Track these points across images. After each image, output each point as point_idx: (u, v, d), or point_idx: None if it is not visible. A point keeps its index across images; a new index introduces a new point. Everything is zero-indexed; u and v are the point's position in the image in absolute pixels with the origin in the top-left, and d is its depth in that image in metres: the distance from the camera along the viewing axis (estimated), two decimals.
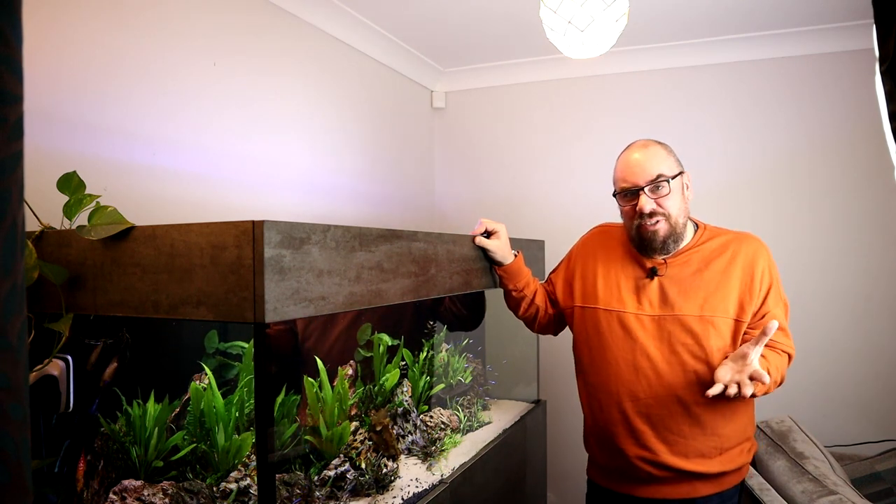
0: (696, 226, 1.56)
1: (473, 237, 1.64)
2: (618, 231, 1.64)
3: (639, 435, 1.47)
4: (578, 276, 1.64)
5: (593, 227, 1.75)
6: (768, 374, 1.31)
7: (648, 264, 1.52)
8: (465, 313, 2.10)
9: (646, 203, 1.43)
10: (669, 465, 1.45)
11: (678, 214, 1.47)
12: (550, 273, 1.79)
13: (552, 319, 1.74)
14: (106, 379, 1.22)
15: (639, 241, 1.50)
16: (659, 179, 1.44)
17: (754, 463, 2.16)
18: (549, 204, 2.98)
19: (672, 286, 1.48)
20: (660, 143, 1.51)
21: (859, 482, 2.13)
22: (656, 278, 1.50)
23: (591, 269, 1.62)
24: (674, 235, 1.47)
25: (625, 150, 1.53)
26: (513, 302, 1.74)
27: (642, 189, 1.44)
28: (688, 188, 1.51)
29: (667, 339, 1.46)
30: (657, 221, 1.45)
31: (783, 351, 1.47)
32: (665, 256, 1.50)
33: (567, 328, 1.76)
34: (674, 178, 1.45)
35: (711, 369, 1.42)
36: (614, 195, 1.53)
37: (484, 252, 1.67)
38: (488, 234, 1.67)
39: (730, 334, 1.44)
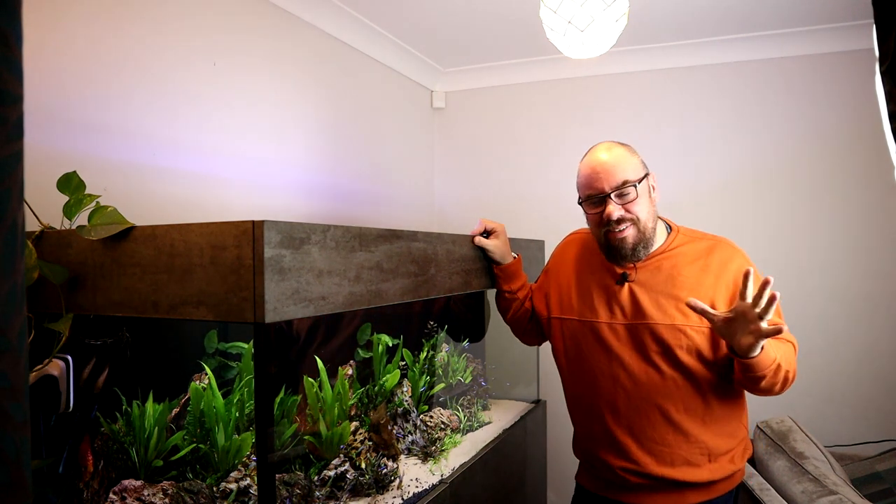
0: (669, 228, 1.50)
1: (473, 237, 1.64)
2: (589, 237, 1.59)
3: (622, 447, 1.43)
4: (554, 288, 1.61)
5: (565, 237, 1.70)
6: (777, 363, 1.27)
7: (618, 270, 1.47)
8: (470, 319, 2.10)
9: (613, 210, 1.38)
10: (656, 475, 1.41)
11: (647, 219, 1.41)
12: (533, 284, 1.75)
13: (536, 327, 1.71)
14: (99, 386, 1.22)
15: (608, 249, 1.45)
16: (625, 186, 1.38)
17: (754, 463, 2.16)
18: (549, 204, 2.97)
19: (644, 293, 1.43)
20: (622, 144, 1.45)
21: (859, 482, 2.13)
22: (627, 284, 1.45)
23: (564, 280, 1.59)
24: (643, 241, 1.42)
25: (586, 155, 1.46)
26: (504, 304, 1.73)
27: (608, 196, 1.38)
28: (654, 189, 1.45)
29: (641, 347, 1.42)
30: (626, 227, 1.39)
31: (786, 340, 1.38)
32: (635, 262, 1.45)
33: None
34: (640, 181, 1.39)
35: (689, 376, 1.38)
36: (579, 203, 1.48)
37: (484, 252, 1.67)
38: (487, 234, 1.67)
39: (706, 343, 1.38)
